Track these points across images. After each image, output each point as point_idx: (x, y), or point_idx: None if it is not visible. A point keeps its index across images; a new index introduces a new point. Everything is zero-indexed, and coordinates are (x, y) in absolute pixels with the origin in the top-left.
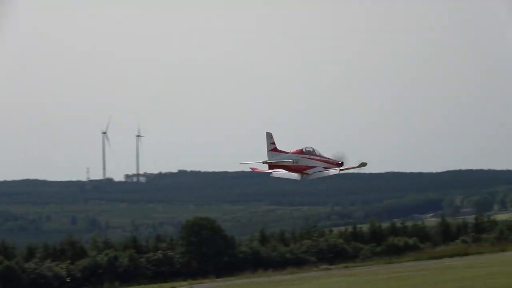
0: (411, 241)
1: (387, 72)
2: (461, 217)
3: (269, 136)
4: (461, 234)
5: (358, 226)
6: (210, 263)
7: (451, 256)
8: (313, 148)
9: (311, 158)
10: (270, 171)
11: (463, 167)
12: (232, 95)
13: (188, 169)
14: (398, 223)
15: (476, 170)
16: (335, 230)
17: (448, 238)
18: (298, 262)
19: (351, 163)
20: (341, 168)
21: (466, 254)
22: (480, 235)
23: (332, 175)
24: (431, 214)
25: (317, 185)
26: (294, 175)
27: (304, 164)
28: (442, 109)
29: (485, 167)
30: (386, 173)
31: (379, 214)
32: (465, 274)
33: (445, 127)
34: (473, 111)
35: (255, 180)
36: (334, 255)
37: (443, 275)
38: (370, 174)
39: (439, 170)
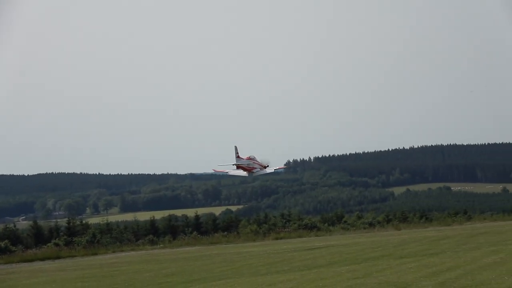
0: (2, 244)
1: None
2: (54, 220)
3: (236, 148)
4: (54, 237)
5: None
6: None
7: (42, 259)
8: (254, 156)
9: (254, 162)
10: (227, 170)
11: (56, 170)
12: None
13: None
14: None
15: (69, 174)
16: None
17: (41, 241)
18: None
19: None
20: (275, 168)
21: (59, 257)
22: (72, 238)
23: (269, 172)
24: (23, 217)
25: None
26: (244, 173)
27: (252, 166)
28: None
29: (78, 170)
30: None
31: None
32: (56, 277)
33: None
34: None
35: None
36: None
37: (35, 278)
38: None
39: (31, 173)
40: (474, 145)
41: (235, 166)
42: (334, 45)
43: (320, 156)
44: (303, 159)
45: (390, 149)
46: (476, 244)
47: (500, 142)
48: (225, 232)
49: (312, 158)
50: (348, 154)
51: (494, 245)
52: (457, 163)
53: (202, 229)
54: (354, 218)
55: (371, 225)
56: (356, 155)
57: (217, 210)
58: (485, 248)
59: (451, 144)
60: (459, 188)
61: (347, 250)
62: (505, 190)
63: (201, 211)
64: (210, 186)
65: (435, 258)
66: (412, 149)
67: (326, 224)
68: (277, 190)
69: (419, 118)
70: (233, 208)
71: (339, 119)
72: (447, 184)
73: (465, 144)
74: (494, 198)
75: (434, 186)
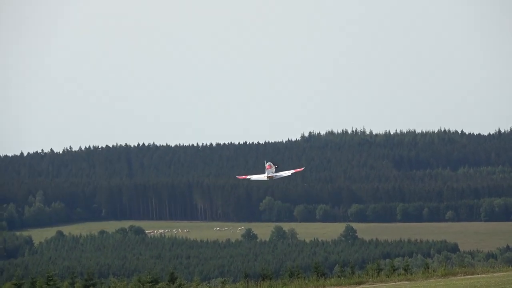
0: None
1: None
2: None
3: (265, 162)
4: None
5: None
6: None
7: None
8: (270, 163)
9: (274, 170)
10: (249, 176)
11: None
12: None
13: None
14: None
15: None
16: None
17: None
18: None
19: None
20: (292, 171)
21: None
22: None
23: (285, 176)
24: None
25: None
26: (264, 178)
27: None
28: None
29: None
30: None
31: None
32: None
33: None
34: None
35: None
36: None
37: None
38: None
39: None
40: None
41: (262, 174)
42: None
43: None
44: None
45: None
46: None
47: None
48: None
49: None
50: None
51: None
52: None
53: None
54: None
55: None
56: None
57: None
58: None
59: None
60: None
61: None
62: None
63: None
64: None
65: None
66: None
67: None
68: None
69: None
70: None
71: None
72: None
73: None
74: None
75: None
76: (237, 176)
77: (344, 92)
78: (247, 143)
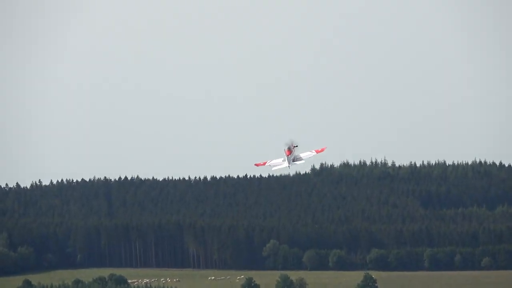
0: None
1: None
2: None
3: (286, 149)
4: None
5: None
6: None
7: None
8: (289, 145)
9: (291, 153)
10: (269, 163)
11: None
12: None
13: None
14: None
15: None
16: None
17: None
18: None
19: None
20: (314, 153)
21: None
22: None
23: (308, 158)
24: None
25: None
26: (286, 164)
27: (292, 159)
28: None
29: None
30: None
31: None
32: None
33: None
34: None
35: None
36: None
37: None
38: None
39: None
40: None
41: (284, 161)
42: None
43: None
44: None
45: None
46: None
47: None
48: None
49: None
50: None
51: None
52: None
53: None
54: None
55: None
56: None
57: None
58: None
59: None
60: None
61: None
62: None
63: None
64: None
65: None
66: None
67: None
68: None
69: None
70: None
71: None
72: None
73: None
74: None
75: None
76: (255, 164)
77: (361, 116)
78: (248, 176)
